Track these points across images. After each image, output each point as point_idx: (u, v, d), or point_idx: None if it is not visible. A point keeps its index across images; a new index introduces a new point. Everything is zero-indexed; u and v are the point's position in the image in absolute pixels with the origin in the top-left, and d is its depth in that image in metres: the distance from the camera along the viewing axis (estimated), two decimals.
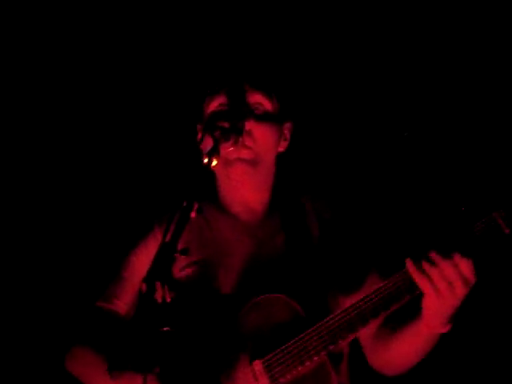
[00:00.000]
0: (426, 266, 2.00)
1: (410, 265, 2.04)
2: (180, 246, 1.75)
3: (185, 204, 1.83)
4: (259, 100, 2.38)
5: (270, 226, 2.44)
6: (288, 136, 2.51)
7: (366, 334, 2.33)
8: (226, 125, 2.11)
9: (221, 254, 2.39)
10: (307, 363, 2.11)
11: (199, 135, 2.50)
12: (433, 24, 3.15)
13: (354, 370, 2.39)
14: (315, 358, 2.11)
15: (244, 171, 2.35)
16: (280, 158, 2.50)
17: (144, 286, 1.66)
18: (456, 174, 3.00)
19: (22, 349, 3.33)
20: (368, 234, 2.49)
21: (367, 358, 2.40)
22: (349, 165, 3.30)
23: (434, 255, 1.99)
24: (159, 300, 1.65)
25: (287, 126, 2.50)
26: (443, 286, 1.98)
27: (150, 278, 1.66)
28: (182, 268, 2.32)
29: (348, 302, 2.20)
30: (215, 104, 2.39)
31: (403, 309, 2.15)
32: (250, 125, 2.31)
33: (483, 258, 2.02)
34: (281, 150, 2.50)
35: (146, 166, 3.40)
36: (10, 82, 3.40)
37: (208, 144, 2.05)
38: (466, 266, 1.97)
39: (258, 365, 2.14)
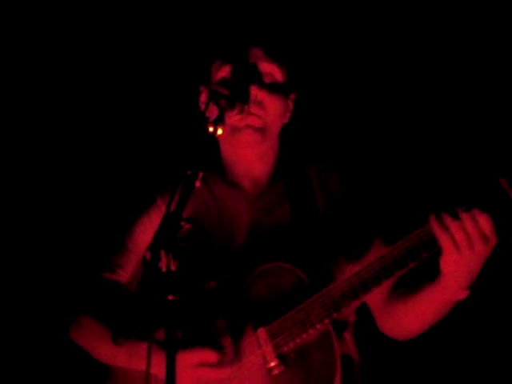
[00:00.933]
0: (446, 219, 1.95)
1: (432, 218, 1.98)
2: (185, 215, 1.75)
3: (189, 173, 1.82)
4: (271, 70, 2.36)
5: (274, 196, 2.44)
6: (291, 107, 2.50)
7: (376, 297, 2.30)
8: (231, 93, 2.10)
9: (225, 223, 2.40)
10: (310, 331, 2.12)
11: (202, 97, 2.48)
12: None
13: (361, 340, 2.39)
14: (318, 326, 2.12)
15: (252, 138, 2.33)
16: (284, 129, 2.49)
17: (148, 254, 1.66)
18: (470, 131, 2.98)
19: (26, 321, 3.36)
20: (375, 202, 2.47)
21: (376, 322, 2.38)
22: (356, 133, 3.28)
23: (454, 209, 1.95)
24: (164, 268, 1.65)
25: (292, 97, 2.49)
26: (463, 240, 1.92)
27: (155, 247, 1.65)
28: (186, 237, 2.32)
29: (353, 268, 2.18)
30: (225, 71, 2.34)
31: (418, 275, 2.12)
32: (262, 95, 2.29)
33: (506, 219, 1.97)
34: (285, 121, 2.48)
35: (148, 136, 3.39)
36: (9, 80, 3.40)
37: (213, 112, 2.03)
38: (484, 221, 1.92)
39: (262, 332, 2.16)
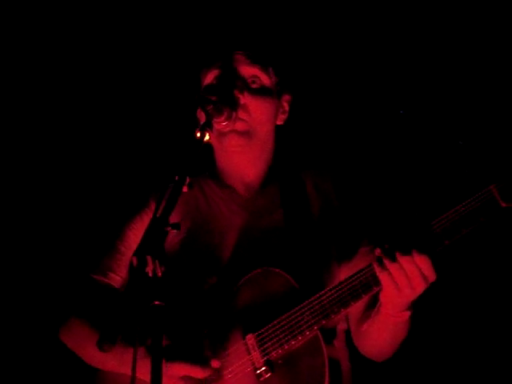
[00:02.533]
0: (386, 261, 2.00)
1: (374, 262, 2.04)
2: (174, 220, 1.74)
3: (177, 178, 1.82)
4: (255, 73, 2.36)
5: (268, 200, 2.44)
6: (287, 108, 2.49)
7: (353, 318, 2.34)
8: (218, 99, 2.10)
9: (217, 227, 2.39)
10: (299, 337, 2.12)
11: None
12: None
13: (353, 348, 2.39)
14: (307, 333, 2.11)
15: (238, 143, 2.33)
16: (279, 132, 2.48)
17: (135, 260, 1.65)
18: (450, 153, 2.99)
19: (17, 321, 3.36)
20: (368, 207, 2.48)
21: (352, 337, 2.39)
22: (350, 138, 3.28)
23: (394, 251, 1.99)
24: (150, 274, 1.64)
25: (286, 98, 2.48)
26: (403, 281, 1.98)
27: (141, 252, 1.65)
28: (176, 241, 2.32)
29: (343, 274, 2.21)
30: (211, 77, 2.36)
31: None
32: (244, 99, 2.29)
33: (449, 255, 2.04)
34: (279, 123, 2.48)
35: (143, 140, 3.40)
36: (9, 80, 3.40)
37: (202, 118, 2.04)
38: (423, 263, 1.97)
39: (250, 339, 2.16)
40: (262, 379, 2.12)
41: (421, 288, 2.00)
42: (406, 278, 1.98)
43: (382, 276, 2.02)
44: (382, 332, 2.21)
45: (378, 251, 2.02)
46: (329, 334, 2.26)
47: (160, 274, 1.64)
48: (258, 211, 2.41)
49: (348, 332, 2.39)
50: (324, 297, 2.12)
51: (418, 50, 3.13)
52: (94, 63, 3.42)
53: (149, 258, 1.64)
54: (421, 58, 3.13)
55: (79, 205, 3.41)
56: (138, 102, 3.41)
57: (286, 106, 2.49)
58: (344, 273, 2.23)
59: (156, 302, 1.64)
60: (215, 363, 2.17)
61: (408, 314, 2.11)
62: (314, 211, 2.40)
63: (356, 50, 3.23)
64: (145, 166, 3.29)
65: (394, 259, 1.99)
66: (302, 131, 3.02)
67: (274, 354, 2.13)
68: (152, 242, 1.67)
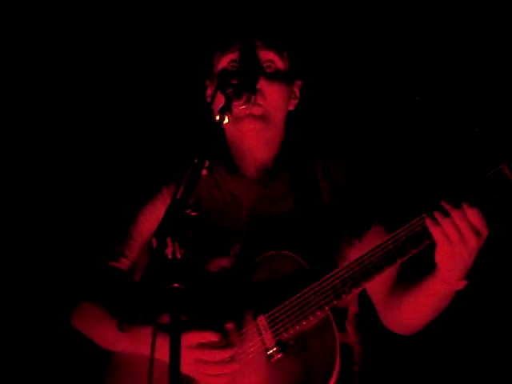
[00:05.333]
0: (437, 215, 1.98)
1: (425, 215, 2.02)
2: (190, 203, 1.75)
3: (196, 161, 1.83)
4: (271, 58, 2.36)
5: (279, 185, 2.45)
6: (298, 94, 2.50)
7: (378, 290, 2.34)
8: (239, 83, 2.10)
9: (229, 211, 2.41)
10: (310, 318, 2.14)
11: (208, 90, 2.50)
12: None
13: (364, 332, 2.40)
14: (318, 313, 2.13)
15: (254, 127, 2.33)
16: (290, 117, 2.49)
17: (155, 242, 1.65)
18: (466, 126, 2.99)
19: (28, 309, 3.38)
20: (378, 191, 2.49)
21: (380, 316, 2.40)
22: (360, 123, 3.29)
23: (444, 204, 1.97)
24: (169, 256, 1.65)
25: (297, 84, 2.49)
26: (455, 235, 1.96)
27: (161, 234, 1.65)
28: (191, 225, 2.33)
29: (354, 255, 2.20)
30: (226, 60, 2.36)
31: (416, 268, 2.15)
32: (261, 83, 2.29)
33: (498, 211, 2.00)
34: (291, 108, 2.49)
35: (155, 126, 3.39)
36: (9, 80, 3.40)
37: (220, 101, 2.04)
38: (474, 216, 1.95)
39: (261, 320, 2.18)
40: (273, 360, 2.15)
41: (474, 242, 1.96)
42: (458, 233, 1.95)
43: (436, 231, 1.99)
44: (429, 302, 2.19)
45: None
46: (340, 315, 2.27)
47: (179, 257, 1.66)
48: (270, 197, 2.43)
49: (359, 316, 2.41)
50: (335, 277, 2.14)
51: (434, 35, 3.12)
52: (106, 50, 3.41)
53: (169, 240, 1.64)
54: (437, 42, 3.12)
55: (91, 191, 3.41)
56: (152, 89, 3.40)
57: (298, 92, 2.50)
58: (355, 254, 2.24)
59: (175, 285, 1.65)
60: (229, 325, 2.19)
61: (464, 283, 2.07)
62: (324, 196, 2.42)
63: (366, 36, 3.23)
64: (157, 152, 3.29)
65: (445, 213, 1.97)
66: (312, 116, 3.02)
67: (285, 334, 2.15)
68: (172, 224, 1.68)
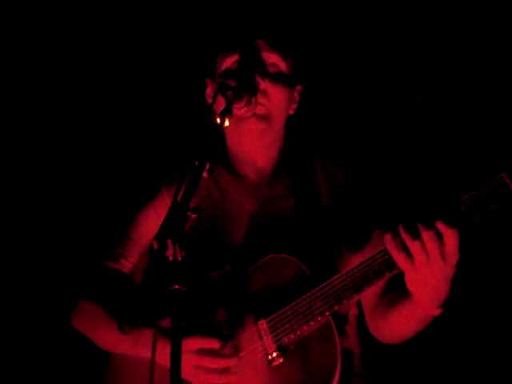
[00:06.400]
0: (405, 237, 1.92)
1: (387, 238, 1.96)
2: (191, 205, 1.75)
3: (197, 164, 1.83)
4: (274, 60, 2.38)
5: (278, 188, 2.46)
6: (298, 99, 2.52)
7: (367, 302, 2.35)
8: (238, 84, 2.11)
9: (229, 214, 2.42)
10: (311, 323, 2.13)
11: (208, 89, 2.51)
12: None
13: (364, 334, 2.40)
14: (319, 318, 2.13)
15: (257, 127, 2.34)
16: (290, 121, 2.50)
17: (155, 243, 1.66)
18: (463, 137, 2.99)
19: (27, 309, 3.37)
20: (377, 194, 2.49)
21: (365, 319, 2.39)
22: (360, 126, 3.29)
23: (415, 224, 1.91)
24: (170, 258, 1.65)
25: (298, 88, 2.51)
26: (421, 259, 1.90)
27: (162, 236, 1.66)
28: (191, 227, 2.34)
29: (355, 260, 2.18)
30: (229, 61, 2.38)
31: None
32: (264, 84, 2.31)
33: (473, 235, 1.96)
34: (291, 112, 2.50)
35: (155, 128, 3.40)
36: (9, 80, 3.41)
37: (220, 104, 2.05)
38: (450, 237, 1.88)
39: (262, 324, 2.18)
40: (273, 364, 2.14)
41: (438, 267, 1.90)
42: (425, 257, 1.89)
43: (399, 256, 1.94)
44: (408, 322, 2.17)
45: (387, 236, 1.94)
46: (340, 320, 2.27)
47: (180, 259, 1.66)
48: (270, 199, 2.43)
49: (359, 318, 2.41)
50: (336, 282, 2.13)
51: (435, 37, 3.13)
52: (108, 52, 3.42)
53: (169, 242, 1.65)
54: (438, 44, 3.13)
55: (92, 193, 3.41)
56: (153, 91, 3.41)
57: (297, 97, 2.52)
58: (357, 258, 2.23)
59: (176, 286, 1.65)
60: (227, 330, 2.19)
61: (440, 311, 2.04)
62: (324, 198, 2.42)
63: (366, 38, 3.24)
64: (157, 154, 3.30)
65: (416, 234, 1.90)
66: (311, 117, 3.02)
67: (285, 339, 2.15)
68: (173, 227, 1.68)
